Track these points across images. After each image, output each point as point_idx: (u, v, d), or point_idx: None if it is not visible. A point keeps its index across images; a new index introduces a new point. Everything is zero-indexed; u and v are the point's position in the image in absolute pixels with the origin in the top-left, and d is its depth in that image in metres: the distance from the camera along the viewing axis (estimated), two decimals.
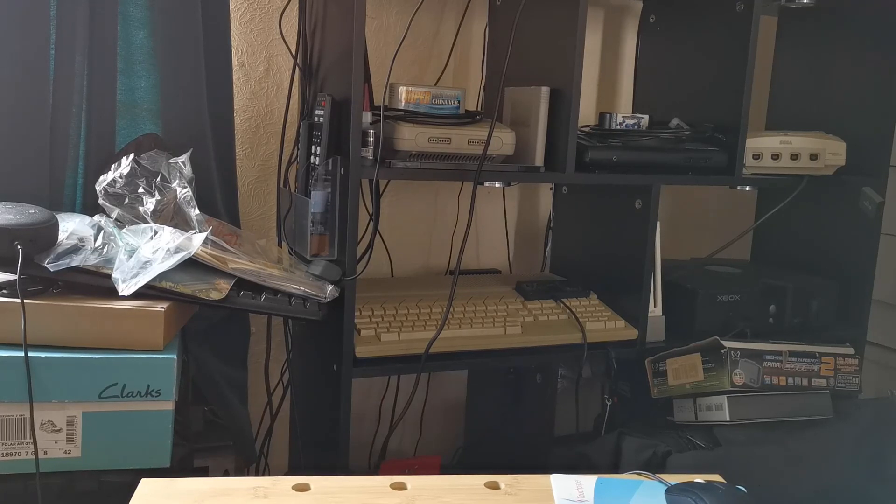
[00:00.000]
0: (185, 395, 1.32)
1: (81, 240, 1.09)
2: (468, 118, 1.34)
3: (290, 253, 1.37)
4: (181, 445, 1.22)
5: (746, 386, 1.31)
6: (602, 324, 1.46)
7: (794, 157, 1.56)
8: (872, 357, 1.83)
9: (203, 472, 1.31)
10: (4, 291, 1.03)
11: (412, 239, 1.74)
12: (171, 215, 1.20)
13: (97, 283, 1.05)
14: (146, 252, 1.08)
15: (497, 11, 1.63)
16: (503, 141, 1.33)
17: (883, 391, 1.70)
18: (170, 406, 1.04)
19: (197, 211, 1.20)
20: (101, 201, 1.18)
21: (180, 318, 1.15)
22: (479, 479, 0.90)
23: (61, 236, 1.08)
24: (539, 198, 1.84)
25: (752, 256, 1.96)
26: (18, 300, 0.99)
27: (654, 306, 1.52)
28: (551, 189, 1.78)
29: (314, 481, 0.87)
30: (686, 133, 1.53)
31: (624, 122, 1.50)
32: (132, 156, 1.20)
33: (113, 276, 1.05)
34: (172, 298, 1.08)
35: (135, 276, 1.05)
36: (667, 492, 0.89)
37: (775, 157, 1.55)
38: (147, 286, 1.05)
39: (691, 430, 1.35)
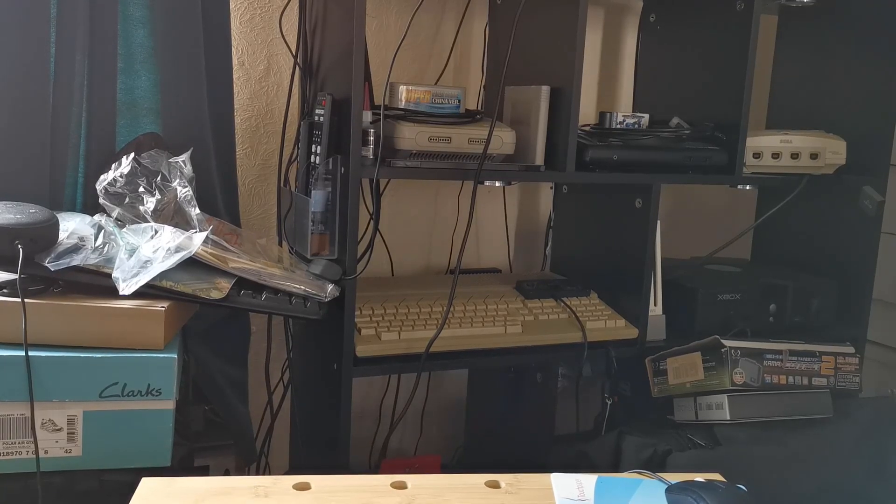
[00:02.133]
0: (186, 394, 1.32)
1: (82, 239, 1.09)
2: (468, 117, 1.34)
3: (290, 252, 1.37)
4: (182, 445, 1.22)
5: (747, 385, 1.31)
6: (602, 323, 1.46)
7: (795, 156, 1.56)
8: (873, 356, 1.83)
9: (203, 471, 1.31)
10: (5, 291, 1.03)
11: (412, 238, 1.74)
12: (172, 214, 1.20)
13: (98, 283, 1.05)
14: (147, 251, 1.08)
15: (497, 10, 1.63)
16: (503, 140, 1.33)
17: (883, 390, 1.70)
18: (170, 405, 1.04)
19: (197, 210, 1.20)
20: (101, 201, 1.18)
21: (181, 317, 1.15)
22: (480, 478, 0.90)
23: (62, 236, 1.08)
24: (539, 197, 1.84)
25: (752, 255, 1.96)
26: (19, 299, 0.99)
27: (655, 305, 1.52)
28: (551, 188, 1.78)
29: (315, 480, 0.87)
30: (686, 132, 1.53)
31: (624, 121, 1.50)
32: (132, 155, 1.20)
33: (113, 275, 1.05)
34: (173, 298, 1.08)
35: (135, 275, 1.05)
36: (667, 491, 0.89)
37: (775, 156, 1.55)
38: (147, 285, 1.05)
39: (691, 428, 1.36)
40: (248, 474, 1.51)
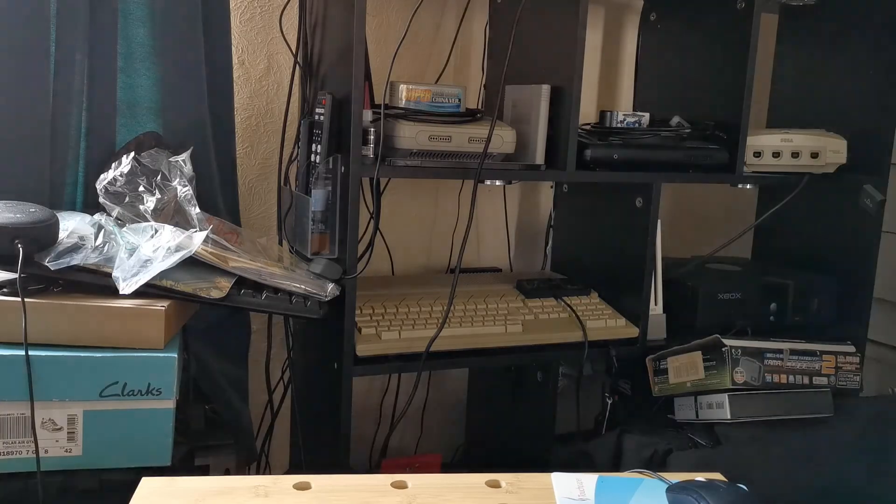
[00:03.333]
0: (186, 393, 1.32)
1: (82, 238, 1.09)
2: (469, 116, 1.34)
3: (290, 251, 1.37)
4: (182, 444, 1.22)
5: (747, 384, 1.31)
6: (603, 322, 1.45)
7: (795, 154, 1.56)
8: (873, 355, 1.83)
9: (204, 470, 1.31)
10: (5, 290, 1.03)
11: (413, 237, 1.74)
12: (172, 214, 1.20)
13: (98, 282, 1.05)
14: (147, 250, 1.08)
15: (497, 9, 1.63)
16: (504, 139, 1.33)
17: (884, 389, 1.71)
18: (170, 404, 1.04)
19: (197, 209, 1.19)
20: (101, 200, 1.18)
21: (181, 316, 1.15)
22: (480, 478, 0.90)
23: (62, 235, 1.08)
24: (540, 196, 1.84)
25: (752, 254, 1.96)
26: (19, 299, 0.99)
27: (655, 304, 1.52)
28: (552, 187, 1.78)
29: (315, 480, 0.87)
30: (687, 131, 1.53)
31: (625, 119, 1.50)
32: (133, 154, 1.20)
33: (113, 274, 1.04)
34: (173, 297, 1.08)
35: (135, 274, 1.04)
36: (668, 490, 0.88)
37: (776, 154, 1.55)
38: (148, 285, 1.05)
39: (692, 428, 1.35)
40: (249, 474, 1.51)
